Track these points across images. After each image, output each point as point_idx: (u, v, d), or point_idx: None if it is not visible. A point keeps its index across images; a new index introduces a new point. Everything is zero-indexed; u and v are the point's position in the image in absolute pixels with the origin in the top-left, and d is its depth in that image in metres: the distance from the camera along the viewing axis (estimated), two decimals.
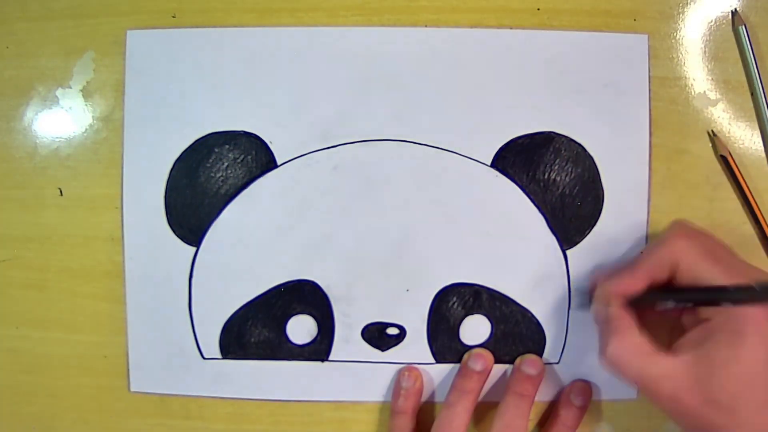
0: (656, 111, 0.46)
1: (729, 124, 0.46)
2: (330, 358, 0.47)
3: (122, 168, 0.47)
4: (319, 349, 0.47)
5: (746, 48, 0.45)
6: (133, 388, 0.47)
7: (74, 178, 0.47)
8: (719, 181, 0.46)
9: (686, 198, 0.46)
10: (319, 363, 0.47)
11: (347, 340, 0.47)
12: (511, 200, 0.46)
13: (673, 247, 0.40)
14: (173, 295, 0.47)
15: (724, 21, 0.46)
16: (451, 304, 0.46)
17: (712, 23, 0.46)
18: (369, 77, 0.46)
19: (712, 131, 0.46)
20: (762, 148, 0.46)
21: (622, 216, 0.46)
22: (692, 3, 0.46)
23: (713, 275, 0.39)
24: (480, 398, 0.46)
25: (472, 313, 0.46)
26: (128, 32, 0.46)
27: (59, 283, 0.47)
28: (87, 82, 0.47)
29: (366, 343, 0.46)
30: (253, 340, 0.47)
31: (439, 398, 0.47)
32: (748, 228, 0.46)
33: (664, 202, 0.46)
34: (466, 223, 0.46)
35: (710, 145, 0.46)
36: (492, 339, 0.46)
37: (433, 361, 0.47)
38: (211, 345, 0.47)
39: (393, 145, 0.46)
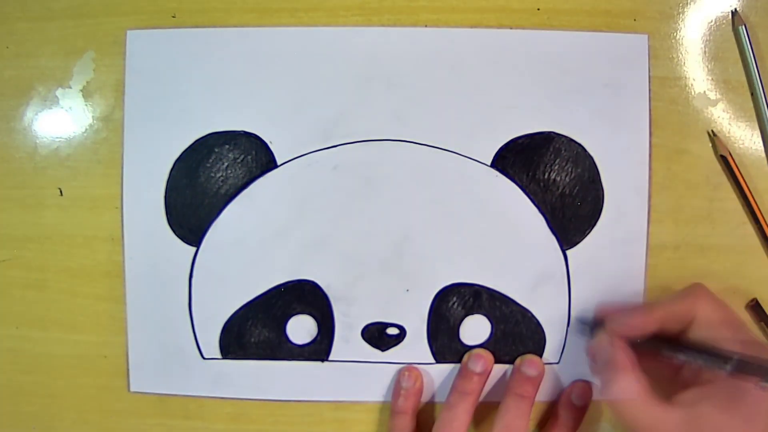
0: (656, 111, 0.46)
1: (729, 124, 0.46)
2: (330, 358, 0.47)
3: (122, 168, 0.47)
4: (319, 349, 0.47)
5: (746, 48, 0.45)
6: (132, 388, 0.47)
7: (74, 178, 0.47)
8: (719, 181, 0.46)
9: (686, 198, 0.46)
10: (319, 363, 0.47)
11: (347, 340, 0.47)
12: (511, 200, 0.46)
13: (693, 305, 0.41)
14: (173, 295, 0.47)
15: (724, 21, 0.46)
16: (451, 304, 0.46)
17: (712, 23, 0.46)
18: (369, 77, 0.46)
19: (712, 131, 0.46)
20: (762, 148, 0.46)
21: (622, 216, 0.46)
22: (692, 3, 0.46)
23: (725, 342, 0.39)
24: (480, 399, 0.46)
25: (472, 313, 0.46)
26: (128, 32, 0.46)
27: (59, 283, 0.47)
28: (87, 82, 0.47)
29: (366, 343, 0.46)
30: (253, 340, 0.47)
31: (439, 398, 0.47)
32: (748, 228, 0.46)
33: (664, 202, 0.46)
34: (466, 223, 0.46)
35: (710, 145, 0.46)
36: (492, 339, 0.46)
37: (433, 361, 0.47)
38: (211, 345, 0.47)
39: (393, 145, 0.46)
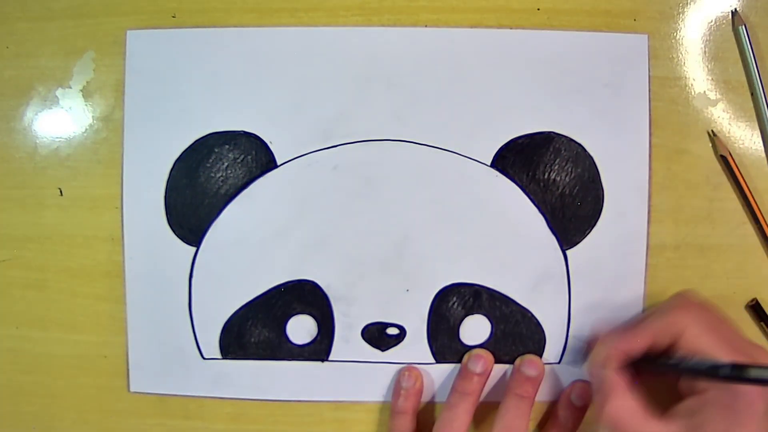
0: (656, 111, 0.46)
1: (729, 124, 0.46)
2: (330, 358, 0.47)
3: (122, 168, 0.47)
4: (319, 349, 0.47)
5: (746, 48, 0.45)
6: (132, 388, 0.47)
7: (74, 178, 0.47)
8: (719, 181, 0.46)
9: (686, 198, 0.46)
10: (319, 363, 0.47)
11: (347, 340, 0.46)
12: (511, 200, 0.46)
13: (678, 318, 0.41)
14: (173, 295, 0.47)
15: (724, 21, 0.46)
16: (451, 304, 0.46)
17: (712, 23, 0.46)
18: (369, 77, 0.46)
19: (712, 131, 0.46)
20: (762, 148, 0.46)
21: (622, 216, 0.46)
22: (692, 3, 0.46)
23: (715, 350, 0.40)
24: (480, 399, 0.46)
25: (472, 313, 0.46)
26: (128, 32, 0.46)
27: (59, 283, 0.47)
28: (87, 82, 0.47)
29: (366, 343, 0.46)
30: (253, 340, 0.47)
31: (439, 398, 0.47)
32: (748, 228, 0.46)
33: (664, 202, 0.46)
34: (466, 223, 0.46)
35: (710, 145, 0.46)
36: (492, 339, 0.46)
37: (433, 361, 0.47)
38: (211, 345, 0.47)
39: (393, 145, 0.46)
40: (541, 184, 0.46)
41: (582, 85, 0.46)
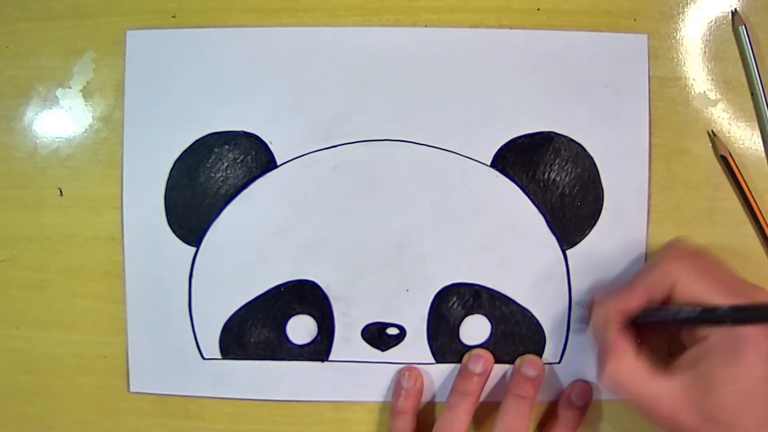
0: (656, 111, 0.46)
1: (729, 124, 0.46)
2: (330, 358, 0.47)
3: (122, 168, 0.47)
4: (319, 349, 0.47)
5: (746, 48, 0.45)
6: (132, 389, 0.47)
7: (74, 178, 0.47)
8: (719, 181, 0.46)
9: (686, 198, 0.46)
10: (319, 363, 0.47)
11: (347, 340, 0.46)
12: (510, 200, 0.46)
13: (669, 268, 0.41)
14: (173, 295, 0.47)
15: (724, 21, 0.46)
16: (451, 304, 0.46)
17: (712, 23, 0.46)
18: (369, 77, 0.46)
19: (712, 131, 0.46)
20: (762, 148, 0.46)
21: (622, 216, 0.46)
22: (692, 3, 0.46)
23: (711, 295, 0.39)
24: (481, 399, 0.46)
25: (472, 313, 0.46)
26: (128, 32, 0.46)
27: (59, 283, 0.47)
28: (87, 82, 0.47)
29: (366, 343, 0.46)
30: (253, 340, 0.47)
31: (439, 398, 0.47)
32: (748, 228, 0.46)
33: (664, 202, 0.46)
34: (466, 223, 0.46)
35: (710, 145, 0.46)
36: (492, 339, 0.46)
37: (433, 361, 0.47)
38: (211, 345, 0.47)
39: (393, 145, 0.46)
40: (541, 184, 0.46)
41: (582, 85, 0.46)
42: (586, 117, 0.46)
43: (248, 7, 0.46)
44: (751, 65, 0.46)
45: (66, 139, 0.47)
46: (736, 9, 0.46)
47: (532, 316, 0.46)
